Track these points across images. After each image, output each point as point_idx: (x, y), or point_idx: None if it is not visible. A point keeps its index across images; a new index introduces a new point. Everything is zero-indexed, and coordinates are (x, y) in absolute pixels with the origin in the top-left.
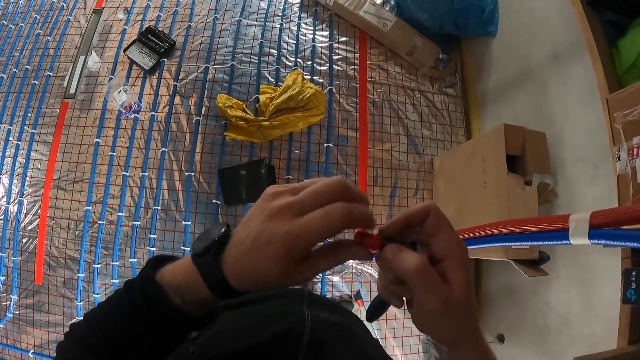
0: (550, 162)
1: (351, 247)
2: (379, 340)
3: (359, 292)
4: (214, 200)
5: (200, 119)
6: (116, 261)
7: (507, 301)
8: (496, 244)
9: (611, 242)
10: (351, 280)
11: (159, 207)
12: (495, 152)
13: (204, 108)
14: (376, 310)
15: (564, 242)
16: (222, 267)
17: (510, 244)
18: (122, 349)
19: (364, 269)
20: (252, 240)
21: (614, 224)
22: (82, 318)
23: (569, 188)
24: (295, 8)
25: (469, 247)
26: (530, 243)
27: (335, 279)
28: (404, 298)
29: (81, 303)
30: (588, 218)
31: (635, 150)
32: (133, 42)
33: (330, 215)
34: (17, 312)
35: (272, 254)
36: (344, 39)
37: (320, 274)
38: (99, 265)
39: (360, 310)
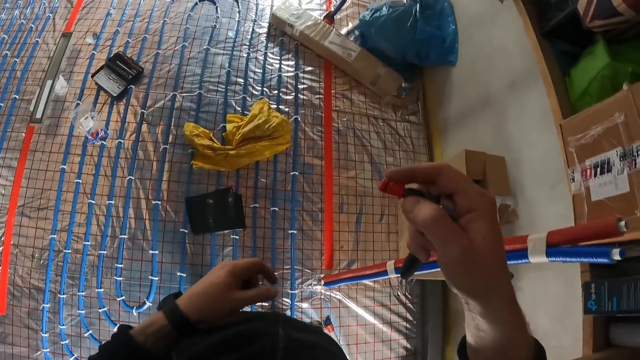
0: (510, 184)
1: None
2: None
3: (328, 318)
4: (181, 229)
5: (168, 147)
6: (82, 291)
7: None
8: None
9: (567, 259)
10: (320, 307)
11: (125, 236)
12: None
13: (171, 136)
14: (408, 268)
15: (524, 261)
16: (176, 300)
17: None
18: None
19: (332, 294)
20: (205, 278)
21: (569, 241)
22: None
23: (529, 208)
24: (263, 38)
25: (430, 271)
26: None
27: (304, 305)
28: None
29: (47, 334)
30: (545, 238)
31: (588, 171)
32: (101, 68)
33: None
34: None
35: (224, 271)
36: (309, 68)
37: (288, 301)
38: (64, 296)
39: (330, 336)
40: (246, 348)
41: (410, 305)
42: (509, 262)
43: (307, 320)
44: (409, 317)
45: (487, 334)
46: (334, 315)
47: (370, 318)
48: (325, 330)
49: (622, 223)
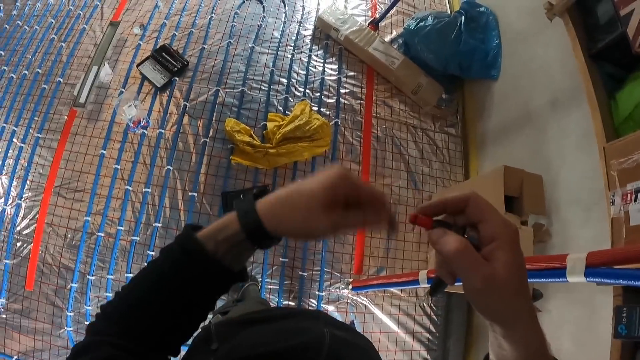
0: (546, 203)
1: (381, 212)
2: None
3: (352, 322)
4: None
5: (208, 140)
6: (111, 274)
7: None
8: None
9: (605, 280)
10: (346, 311)
11: (159, 225)
12: (494, 192)
13: (211, 130)
14: (435, 288)
15: (561, 279)
16: (256, 205)
17: None
18: (155, 313)
19: (359, 299)
20: (303, 180)
21: (609, 263)
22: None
23: (563, 229)
24: (307, 40)
25: (458, 283)
26: (530, 280)
27: (330, 308)
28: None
29: (71, 314)
30: (584, 258)
31: (628, 195)
32: (147, 58)
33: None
34: (4, 316)
35: (323, 179)
36: (352, 73)
37: (315, 302)
38: (93, 277)
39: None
40: (292, 343)
41: (434, 317)
42: (546, 280)
43: None
44: (432, 328)
45: (510, 354)
46: (358, 320)
47: (394, 326)
48: None
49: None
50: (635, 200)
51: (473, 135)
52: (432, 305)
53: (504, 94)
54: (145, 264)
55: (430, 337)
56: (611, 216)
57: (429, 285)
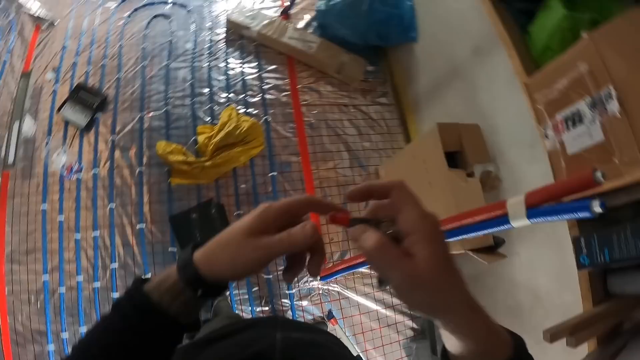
0: (489, 150)
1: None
2: (360, 354)
3: (330, 312)
4: (169, 249)
5: (143, 169)
6: (83, 326)
7: (476, 290)
8: (449, 240)
9: (549, 218)
10: (320, 302)
11: (116, 265)
12: (434, 151)
13: (145, 158)
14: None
15: (507, 226)
16: (194, 253)
17: (460, 237)
18: None
19: (330, 288)
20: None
21: (548, 200)
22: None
23: (512, 171)
24: (221, 44)
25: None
26: (477, 233)
27: (304, 303)
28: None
29: None
30: (523, 200)
31: (559, 125)
32: (65, 101)
33: (299, 196)
34: None
35: (248, 215)
36: (272, 67)
37: (287, 302)
38: (66, 334)
39: (335, 329)
40: (243, 355)
41: None
42: (493, 230)
43: (309, 317)
44: None
45: (458, 345)
46: (335, 308)
47: (372, 305)
48: (330, 324)
49: (599, 174)
50: (568, 129)
51: (406, 100)
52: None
53: (428, 53)
54: (113, 300)
55: None
56: (547, 150)
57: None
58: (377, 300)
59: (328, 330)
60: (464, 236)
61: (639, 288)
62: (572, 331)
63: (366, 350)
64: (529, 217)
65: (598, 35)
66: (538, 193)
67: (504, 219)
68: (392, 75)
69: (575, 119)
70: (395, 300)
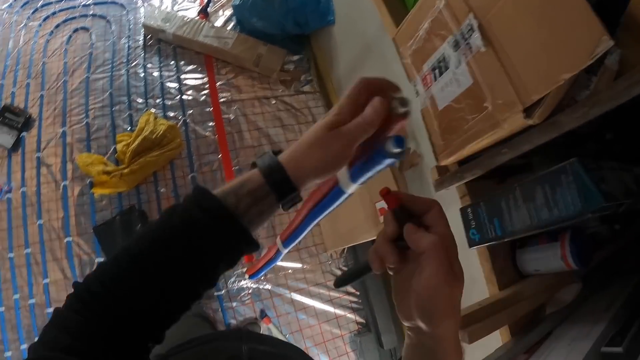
0: (406, 126)
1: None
2: None
3: (262, 311)
4: (96, 260)
5: (67, 183)
6: (24, 344)
7: None
8: (310, 226)
9: (369, 174)
10: (251, 302)
11: (48, 280)
12: None
13: (69, 172)
14: (355, 275)
15: (345, 196)
16: (278, 158)
17: (317, 220)
18: (152, 274)
19: (260, 287)
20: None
21: (360, 149)
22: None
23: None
24: (139, 50)
25: (296, 242)
26: (328, 211)
27: (234, 304)
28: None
29: None
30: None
31: (427, 78)
32: None
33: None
34: None
35: (319, 123)
36: (190, 67)
37: (217, 304)
38: (10, 353)
39: (269, 328)
40: None
41: None
42: (334, 205)
43: (240, 318)
44: (350, 289)
45: (429, 350)
46: (267, 306)
47: (307, 301)
48: (262, 324)
49: (395, 102)
50: (435, 79)
51: (330, 86)
52: (341, 266)
53: (344, 33)
54: (49, 317)
55: (351, 298)
56: (420, 109)
57: (344, 275)
58: (312, 295)
59: (262, 329)
60: (321, 217)
61: (551, 264)
62: (462, 324)
63: (306, 348)
64: (352, 178)
65: None
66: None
67: (338, 189)
68: (315, 62)
69: (441, 66)
70: (333, 294)
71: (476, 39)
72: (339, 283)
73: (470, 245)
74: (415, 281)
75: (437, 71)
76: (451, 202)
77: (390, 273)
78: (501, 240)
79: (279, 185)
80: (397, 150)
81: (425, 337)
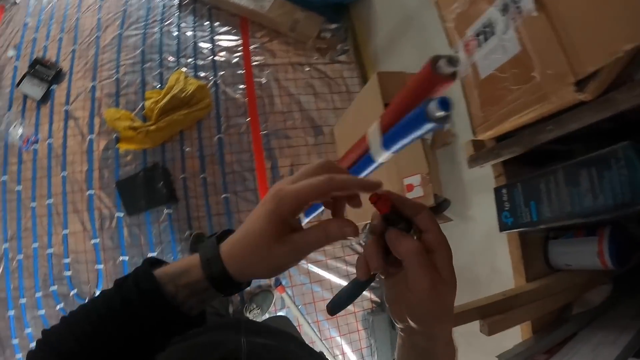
0: None
1: (337, 221)
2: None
3: (277, 279)
4: (116, 214)
5: (93, 137)
6: (39, 291)
7: None
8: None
9: (404, 141)
10: None
11: (67, 231)
12: (374, 104)
13: (96, 126)
14: (349, 298)
15: (374, 164)
16: (220, 247)
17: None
18: (104, 349)
19: None
20: (248, 218)
21: (397, 114)
22: (58, 322)
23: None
24: (174, 9)
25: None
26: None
27: None
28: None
29: (17, 340)
30: (378, 124)
31: (470, 44)
32: (24, 76)
33: (315, 179)
34: None
35: (263, 211)
36: (225, 29)
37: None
38: (25, 300)
39: (282, 297)
40: (207, 358)
41: None
42: (365, 172)
43: (254, 285)
44: None
45: (421, 350)
46: (283, 274)
47: (324, 273)
48: (276, 292)
49: (442, 62)
50: (479, 45)
51: (367, 57)
52: (361, 242)
53: (384, 3)
54: (65, 273)
55: None
56: (460, 78)
57: (337, 299)
58: (329, 269)
59: (274, 298)
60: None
61: (584, 260)
62: (483, 314)
63: (317, 322)
64: (385, 145)
65: None
66: (388, 111)
67: (367, 157)
68: (354, 32)
69: (487, 32)
70: (351, 269)
71: (527, 2)
72: (333, 309)
73: (502, 229)
74: (405, 286)
75: (482, 37)
76: (484, 181)
77: (382, 277)
78: (536, 226)
79: (218, 282)
80: (441, 113)
81: (417, 338)
